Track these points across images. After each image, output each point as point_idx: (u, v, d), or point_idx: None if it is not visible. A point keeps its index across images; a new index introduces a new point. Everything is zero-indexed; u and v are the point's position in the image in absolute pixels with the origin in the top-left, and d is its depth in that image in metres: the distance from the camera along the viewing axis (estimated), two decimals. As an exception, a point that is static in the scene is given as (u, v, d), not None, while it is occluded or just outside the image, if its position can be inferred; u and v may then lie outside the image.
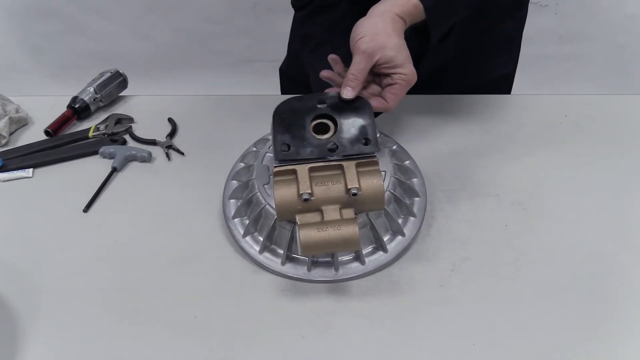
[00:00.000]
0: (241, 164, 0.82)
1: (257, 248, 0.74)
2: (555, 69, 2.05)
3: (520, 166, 0.86)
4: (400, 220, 0.74)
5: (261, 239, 0.74)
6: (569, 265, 0.72)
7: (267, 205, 0.72)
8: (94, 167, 0.90)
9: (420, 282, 0.71)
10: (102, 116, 1.01)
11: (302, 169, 0.66)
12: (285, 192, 0.65)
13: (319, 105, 0.69)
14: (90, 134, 0.96)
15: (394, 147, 0.82)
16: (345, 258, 0.72)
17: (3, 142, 0.95)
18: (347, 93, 0.68)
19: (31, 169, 0.90)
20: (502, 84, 1.06)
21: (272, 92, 1.13)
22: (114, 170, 0.89)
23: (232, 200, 0.79)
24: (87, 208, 0.83)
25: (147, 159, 0.90)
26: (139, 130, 0.97)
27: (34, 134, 0.98)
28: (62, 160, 0.92)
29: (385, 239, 0.73)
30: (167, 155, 0.91)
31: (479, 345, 0.64)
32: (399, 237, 0.74)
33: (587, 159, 0.87)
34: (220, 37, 2.07)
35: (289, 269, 0.72)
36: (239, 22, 2.02)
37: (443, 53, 0.93)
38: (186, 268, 0.74)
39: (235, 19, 2.01)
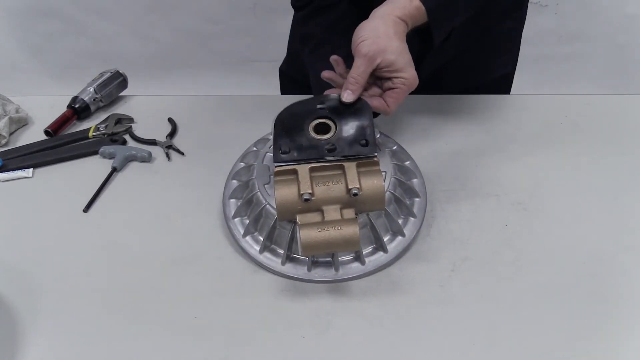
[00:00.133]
0: (241, 163, 0.82)
1: (257, 248, 0.74)
2: (555, 69, 2.05)
3: (520, 166, 0.86)
4: (400, 221, 0.74)
5: (261, 238, 0.74)
6: (569, 265, 0.72)
7: (268, 205, 0.72)
8: (94, 167, 0.90)
9: (420, 282, 0.71)
10: (102, 116, 1.01)
11: (303, 169, 0.66)
12: (286, 192, 0.65)
13: (319, 106, 0.69)
14: (90, 134, 0.96)
15: (394, 147, 0.82)
16: (346, 258, 0.72)
17: (3, 142, 0.95)
18: (348, 96, 0.68)
19: (31, 169, 0.90)
20: (502, 84, 1.06)
21: (272, 92, 1.13)
22: (114, 170, 0.89)
23: (232, 200, 0.79)
24: (87, 208, 0.83)
25: (147, 159, 0.90)
26: (139, 130, 0.97)
27: (34, 134, 0.98)
28: (62, 160, 0.92)
29: (386, 239, 0.73)
30: (167, 155, 0.91)
31: (479, 345, 0.64)
32: (399, 238, 0.74)
33: (587, 159, 0.87)
34: (220, 37, 2.06)
35: (289, 269, 0.72)
36: (239, 22, 2.02)
37: (443, 54, 0.93)
38: (186, 268, 0.74)
39: (235, 19, 2.01)
